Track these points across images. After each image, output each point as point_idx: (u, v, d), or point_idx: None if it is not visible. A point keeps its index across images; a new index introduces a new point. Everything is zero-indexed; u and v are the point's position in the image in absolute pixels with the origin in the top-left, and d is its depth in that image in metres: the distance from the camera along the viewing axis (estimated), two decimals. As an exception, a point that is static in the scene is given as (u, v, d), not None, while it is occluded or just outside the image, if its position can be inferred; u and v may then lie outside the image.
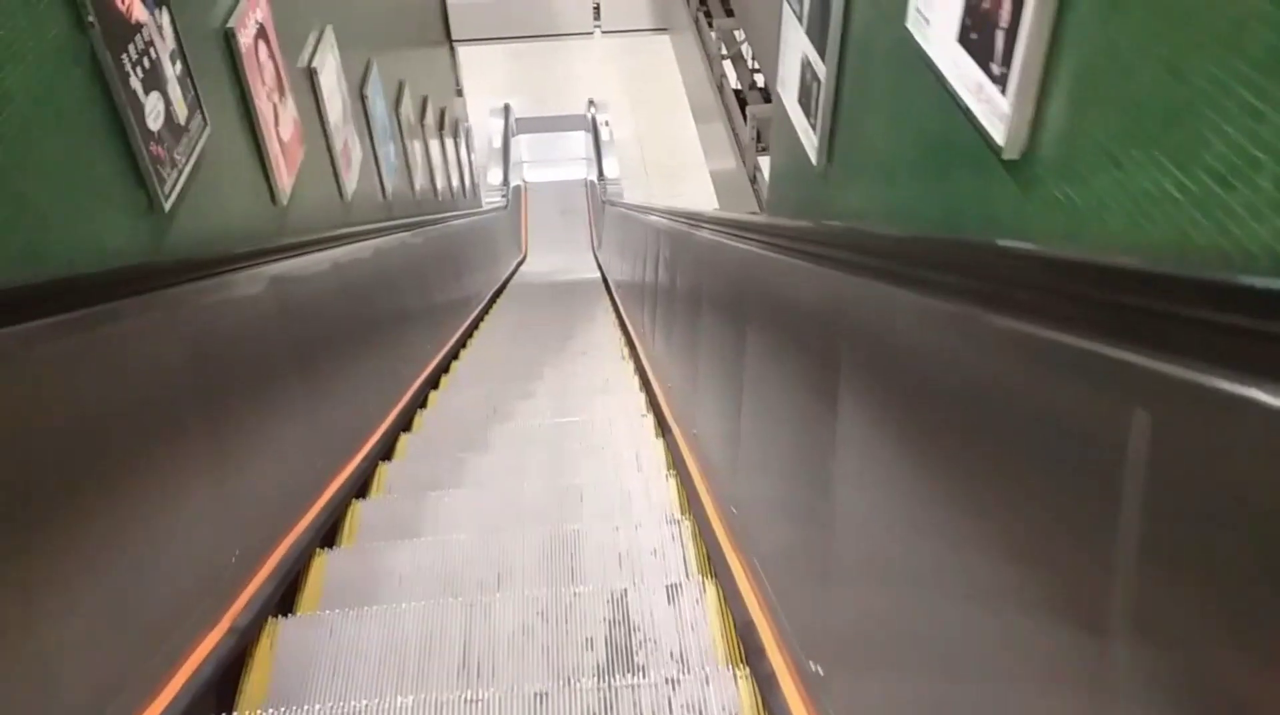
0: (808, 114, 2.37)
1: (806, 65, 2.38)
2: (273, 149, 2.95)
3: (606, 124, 11.72)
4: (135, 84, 1.81)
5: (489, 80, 14.24)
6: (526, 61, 14.93)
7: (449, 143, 8.30)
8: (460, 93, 9.51)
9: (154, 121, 1.89)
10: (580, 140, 12.83)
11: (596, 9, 9.19)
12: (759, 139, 5.50)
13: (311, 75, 3.62)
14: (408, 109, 6.17)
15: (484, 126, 12.09)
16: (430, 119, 7.36)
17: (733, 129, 6.04)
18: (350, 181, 4.14)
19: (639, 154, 12.67)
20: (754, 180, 5.52)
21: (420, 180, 6.33)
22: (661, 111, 13.75)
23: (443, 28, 9.13)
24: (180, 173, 2.02)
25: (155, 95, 1.91)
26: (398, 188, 5.41)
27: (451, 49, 9.44)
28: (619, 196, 9.98)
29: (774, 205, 2.98)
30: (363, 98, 4.76)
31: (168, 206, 1.90)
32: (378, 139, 4.97)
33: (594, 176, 11.61)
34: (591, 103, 12.28)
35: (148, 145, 1.84)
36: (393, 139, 5.48)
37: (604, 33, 9.19)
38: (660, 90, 14.18)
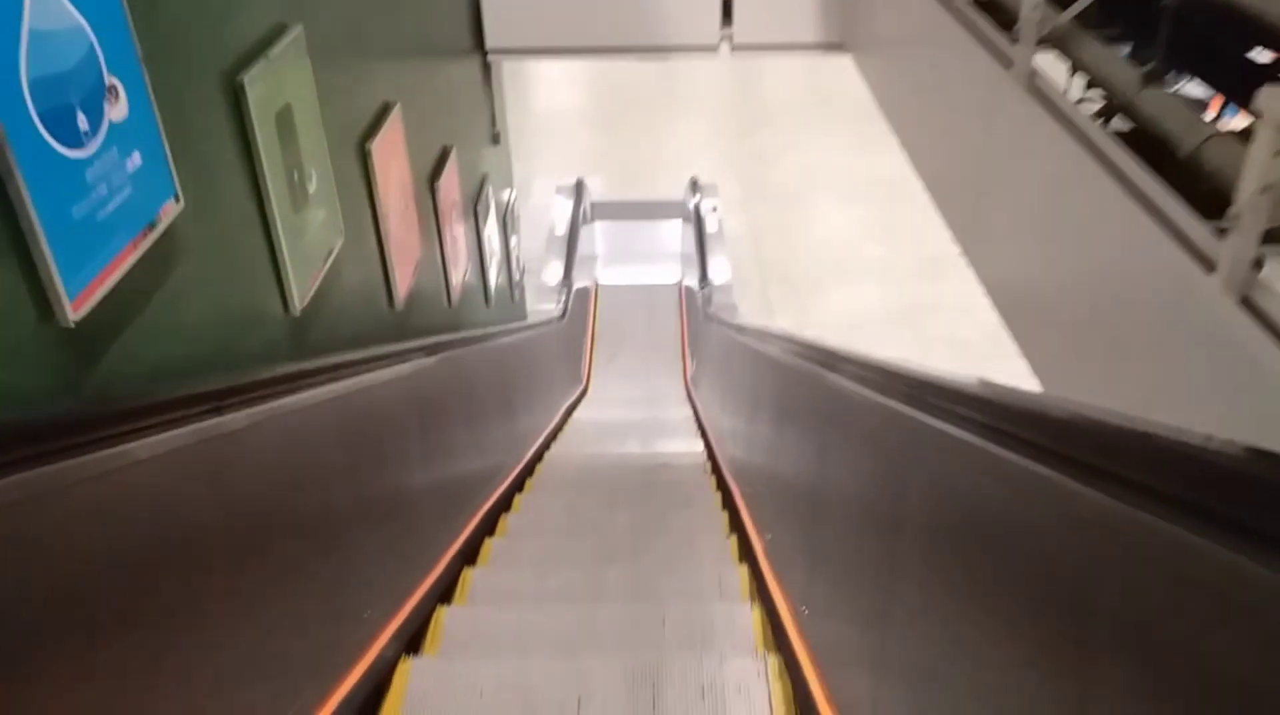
0: None
1: None
2: None
3: (715, 210, 8.80)
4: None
5: (563, 153, 11.60)
6: (613, 136, 12.31)
7: (469, 224, 5.40)
8: (497, 138, 6.41)
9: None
10: (675, 233, 9.97)
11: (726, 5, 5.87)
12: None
13: None
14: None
15: (547, 210, 9.33)
16: (442, 176, 4.50)
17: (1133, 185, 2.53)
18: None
19: (753, 256, 9.73)
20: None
21: (384, 284, 3.41)
22: (787, 199, 10.90)
23: (469, 31, 5.80)
24: None
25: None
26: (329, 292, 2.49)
27: (486, 70, 6.15)
28: (730, 310, 6.97)
29: None
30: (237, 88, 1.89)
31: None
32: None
33: (693, 281, 8.64)
34: (695, 184, 9.43)
35: None
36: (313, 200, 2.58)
37: (734, 49, 5.91)
38: (784, 174, 11.38)
